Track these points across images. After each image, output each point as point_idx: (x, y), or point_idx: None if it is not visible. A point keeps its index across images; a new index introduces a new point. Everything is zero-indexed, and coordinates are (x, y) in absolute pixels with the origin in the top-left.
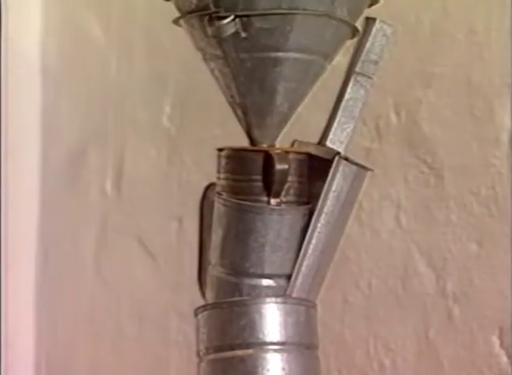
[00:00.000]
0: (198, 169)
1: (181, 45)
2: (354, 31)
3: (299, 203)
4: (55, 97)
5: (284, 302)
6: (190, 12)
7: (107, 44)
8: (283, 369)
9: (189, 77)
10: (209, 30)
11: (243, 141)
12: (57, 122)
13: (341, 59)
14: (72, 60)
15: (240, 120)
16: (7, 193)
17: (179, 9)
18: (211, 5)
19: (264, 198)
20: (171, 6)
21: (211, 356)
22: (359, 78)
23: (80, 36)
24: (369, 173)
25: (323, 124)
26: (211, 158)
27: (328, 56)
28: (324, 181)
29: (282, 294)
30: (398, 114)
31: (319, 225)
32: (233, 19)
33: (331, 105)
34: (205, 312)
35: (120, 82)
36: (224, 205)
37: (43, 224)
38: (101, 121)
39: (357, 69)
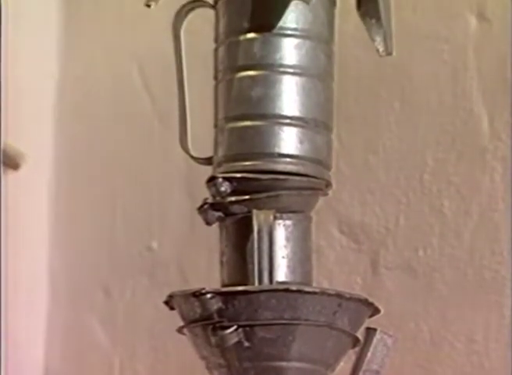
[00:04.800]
0: None
1: (183, 349)
2: (355, 341)
3: None
4: None
5: None
6: (194, 322)
7: (111, 347)
8: None
9: None
10: (212, 340)
11: None
12: None
13: (343, 365)
14: (75, 362)
15: None
16: None
17: (183, 318)
18: (215, 315)
19: None
20: (175, 313)
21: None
22: None
23: (84, 339)
24: None
25: None
26: None
27: (329, 365)
28: None
29: None
30: None
31: None
32: (236, 329)
33: None
34: None
35: None
36: None
37: None
38: None
39: None
